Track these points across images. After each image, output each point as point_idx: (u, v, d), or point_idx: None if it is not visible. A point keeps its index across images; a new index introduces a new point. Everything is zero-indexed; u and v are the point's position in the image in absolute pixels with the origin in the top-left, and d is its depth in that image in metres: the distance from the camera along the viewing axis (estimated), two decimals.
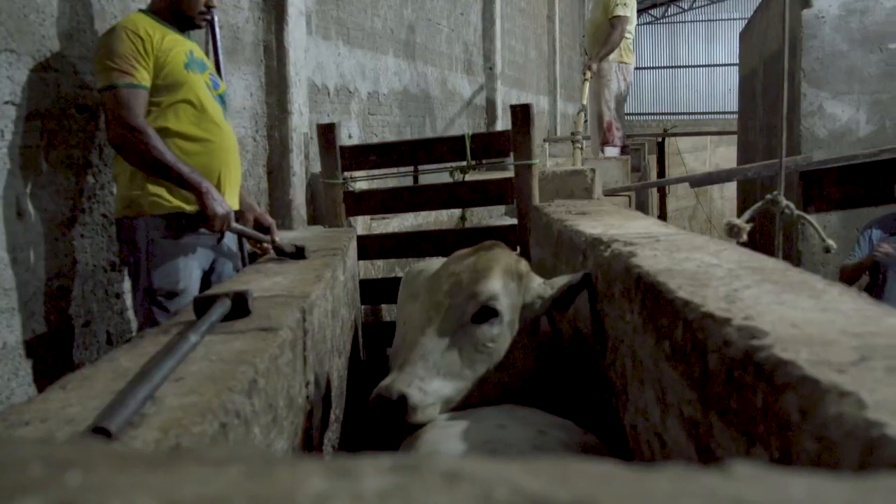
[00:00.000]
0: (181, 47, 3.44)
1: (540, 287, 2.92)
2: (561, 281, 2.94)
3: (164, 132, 3.34)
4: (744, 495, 0.48)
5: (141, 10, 3.48)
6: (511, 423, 2.32)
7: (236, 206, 3.66)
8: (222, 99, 3.66)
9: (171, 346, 1.88)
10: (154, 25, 3.38)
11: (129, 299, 3.75)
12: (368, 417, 2.54)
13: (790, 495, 0.49)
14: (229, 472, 0.50)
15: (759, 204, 3.56)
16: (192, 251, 3.47)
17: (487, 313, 2.75)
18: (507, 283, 2.84)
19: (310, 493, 0.48)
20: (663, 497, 0.48)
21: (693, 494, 0.49)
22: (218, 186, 3.46)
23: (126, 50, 3.23)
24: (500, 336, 2.77)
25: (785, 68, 3.74)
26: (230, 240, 3.70)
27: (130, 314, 3.77)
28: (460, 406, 2.66)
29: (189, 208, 3.40)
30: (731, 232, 3.42)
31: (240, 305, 2.35)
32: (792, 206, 3.49)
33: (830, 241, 3.53)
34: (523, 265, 2.99)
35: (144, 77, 3.28)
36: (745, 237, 3.36)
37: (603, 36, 10.05)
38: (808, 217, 3.70)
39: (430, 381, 2.59)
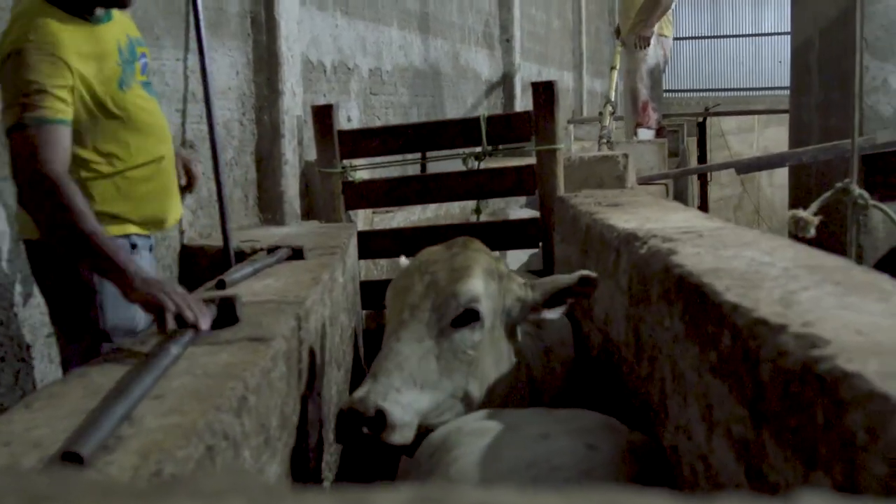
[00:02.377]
0: (109, 48, 2.99)
1: (521, 289, 2.92)
2: (547, 283, 2.93)
3: (99, 175, 2.98)
4: None
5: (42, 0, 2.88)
6: (554, 430, 2.30)
7: (180, 211, 3.40)
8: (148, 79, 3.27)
9: (150, 359, 1.89)
10: (68, 30, 2.86)
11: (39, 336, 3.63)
12: (337, 434, 2.51)
13: None
14: None
15: (828, 193, 3.54)
16: None
17: (468, 317, 2.75)
18: (489, 283, 2.84)
19: None
20: None
21: None
22: (168, 195, 3.24)
23: (37, 77, 2.74)
24: (480, 343, 2.77)
25: (858, 36, 3.72)
26: (147, 262, 3.17)
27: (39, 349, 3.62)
28: (435, 424, 2.65)
29: (137, 230, 3.10)
30: (797, 226, 3.40)
31: (227, 312, 2.35)
32: (866, 195, 3.47)
33: None
34: (503, 265, 3.01)
35: (61, 109, 2.77)
36: (813, 231, 3.35)
37: (649, 3, 10.01)
38: (885, 207, 3.68)
39: (406, 392, 2.58)
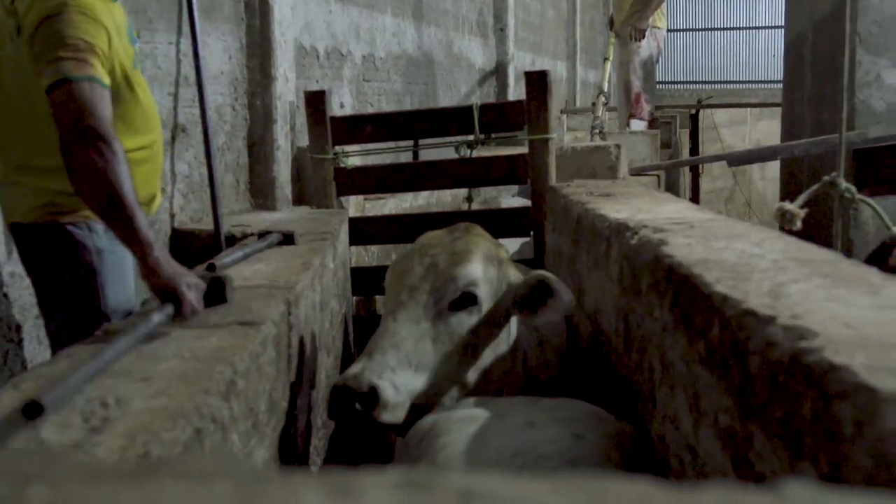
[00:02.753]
0: (123, 26, 2.99)
1: (515, 278, 2.91)
2: (524, 282, 2.91)
3: None
4: None
5: None
6: (541, 419, 2.30)
7: (161, 197, 3.35)
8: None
9: (132, 327, 1.90)
10: (101, 1, 2.86)
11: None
12: (330, 410, 2.51)
13: None
14: (216, 488, 0.50)
15: (815, 186, 3.54)
16: (130, 260, 2.90)
17: (466, 300, 2.75)
18: (488, 268, 2.85)
19: None
20: None
21: None
22: (157, 179, 3.23)
23: (85, 36, 2.72)
24: (477, 327, 2.78)
25: (846, 30, 3.73)
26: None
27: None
28: (428, 406, 2.65)
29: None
30: (784, 218, 3.40)
31: (216, 292, 2.34)
32: (853, 189, 3.48)
33: None
34: (503, 251, 3.00)
35: (104, 74, 2.74)
36: (799, 224, 3.35)
37: None
38: (871, 202, 3.69)
39: (401, 373, 2.59)
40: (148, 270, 2.41)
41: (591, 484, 0.51)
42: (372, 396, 2.48)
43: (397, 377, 2.57)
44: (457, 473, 0.52)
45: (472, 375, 2.77)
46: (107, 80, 2.73)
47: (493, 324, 2.84)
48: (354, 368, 2.54)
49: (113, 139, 2.58)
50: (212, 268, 2.82)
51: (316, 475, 0.53)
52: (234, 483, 0.50)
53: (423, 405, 2.64)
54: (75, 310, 2.96)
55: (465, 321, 2.75)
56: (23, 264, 3.12)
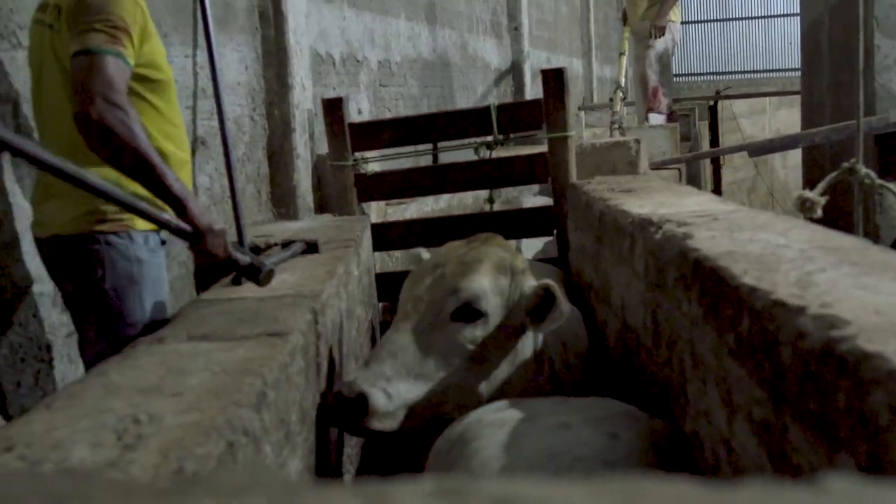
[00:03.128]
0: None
1: (531, 289, 2.90)
2: (532, 293, 2.90)
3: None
4: None
5: None
6: (574, 419, 2.29)
7: None
8: None
9: None
10: None
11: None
12: (326, 415, 2.55)
13: None
14: (249, 503, 0.50)
15: (834, 174, 3.52)
16: (165, 270, 3.21)
17: (471, 313, 2.75)
18: (499, 280, 2.84)
19: None
20: None
21: None
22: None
23: (123, 14, 2.86)
24: (485, 339, 2.77)
25: (861, 15, 3.70)
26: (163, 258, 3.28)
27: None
28: (430, 417, 2.67)
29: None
30: (804, 206, 3.38)
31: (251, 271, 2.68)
32: (873, 174, 3.45)
33: None
34: (520, 261, 2.98)
35: (132, 56, 2.88)
36: (819, 212, 3.33)
37: None
38: (893, 187, 3.66)
39: (397, 382, 2.61)
40: (188, 221, 2.72)
41: (627, 485, 0.51)
42: (361, 403, 2.52)
43: (392, 386, 2.60)
44: (491, 479, 0.52)
45: (485, 387, 2.77)
46: (132, 61, 2.86)
47: (507, 334, 2.84)
48: (350, 376, 2.58)
49: (129, 107, 2.73)
50: (238, 280, 2.84)
51: (350, 485, 0.53)
52: (267, 497, 0.50)
53: (430, 416, 2.65)
54: (114, 319, 3.01)
55: (470, 332, 2.75)
56: (55, 276, 3.16)
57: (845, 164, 3.44)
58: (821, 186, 3.39)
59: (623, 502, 0.48)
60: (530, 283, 2.92)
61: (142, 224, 3.02)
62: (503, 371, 2.82)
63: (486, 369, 2.79)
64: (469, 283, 2.77)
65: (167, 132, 3.13)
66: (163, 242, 3.19)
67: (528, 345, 2.90)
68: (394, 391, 2.60)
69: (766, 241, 2.08)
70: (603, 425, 2.24)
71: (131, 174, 2.76)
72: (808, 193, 3.36)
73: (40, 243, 3.15)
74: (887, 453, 1.06)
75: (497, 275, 2.85)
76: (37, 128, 3.19)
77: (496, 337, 2.81)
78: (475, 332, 2.76)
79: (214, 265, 2.89)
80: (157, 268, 3.12)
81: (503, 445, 2.24)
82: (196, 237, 2.77)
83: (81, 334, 3.16)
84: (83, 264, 3.03)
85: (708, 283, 1.90)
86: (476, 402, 2.72)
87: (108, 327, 3.02)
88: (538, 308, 2.83)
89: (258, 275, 2.75)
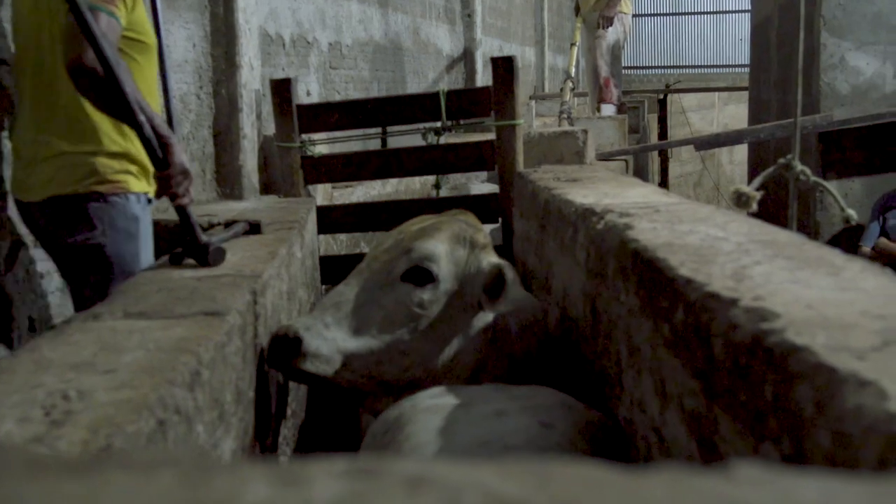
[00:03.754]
0: None
1: (489, 266, 2.91)
2: (489, 272, 2.93)
3: None
4: (748, 501, 0.48)
5: None
6: (509, 407, 2.30)
7: None
8: None
9: None
10: None
11: (53, 282, 3.71)
12: (266, 356, 2.60)
13: (799, 501, 0.49)
14: (160, 479, 0.49)
15: (770, 169, 3.57)
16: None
17: (422, 275, 2.78)
18: (455, 248, 2.86)
19: (252, 502, 0.48)
20: None
21: (691, 501, 0.48)
22: None
23: None
24: (432, 303, 2.79)
25: (801, 15, 3.75)
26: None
27: (55, 298, 3.73)
28: (370, 376, 2.72)
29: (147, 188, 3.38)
30: (740, 201, 3.43)
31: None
32: (808, 171, 3.50)
33: (851, 212, 3.55)
34: (482, 237, 3.00)
35: (123, 17, 3.09)
36: (755, 207, 3.38)
37: None
38: (826, 184, 3.72)
39: (335, 330, 2.68)
40: (167, 156, 2.89)
41: (540, 468, 0.51)
42: (295, 345, 2.60)
43: (329, 332, 2.67)
44: (405, 460, 0.52)
45: (435, 360, 2.78)
46: (123, 22, 3.06)
47: (460, 308, 2.85)
48: (291, 321, 2.65)
49: (119, 59, 2.87)
50: (176, 258, 2.82)
51: (262, 465, 0.53)
52: (178, 474, 0.50)
53: (370, 375, 2.71)
54: (112, 273, 3.22)
55: (417, 295, 2.78)
56: (49, 238, 3.35)
57: (781, 160, 3.49)
58: (757, 181, 3.44)
59: (534, 484, 0.49)
60: (490, 260, 2.93)
61: (136, 186, 3.29)
62: (454, 346, 2.83)
63: (436, 340, 2.80)
64: (422, 244, 2.80)
65: (150, 90, 3.32)
66: (149, 201, 3.41)
67: (481, 324, 2.91)
68: (330, 336, 2.67)
69: (705, 233, 2.10)
70: (538, 414, 2.25)
71: (120, 117, 2.90)
72: (744, 188, 3.41)
73: (28, 207, 3.32)
74: (809, 444, 1.08)
75: (454, 244, 2.86)
76: (24, 94, 3.31)
77: (448, 308, 2.82)
78: (423, 296, 2.78)
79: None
80: (148, 224, 3.39)
81: (436, 431, 2.24)
82: (164, 164, 2.89)
83: (77, 294, 3.33)
84: (83, 222, 3.22)
85: (646, 273, 1.92)
86: (425, 374, 2.74)
87: (105, 283, 3.16)
88: (493, 287, 2.84)
89: (206, 253, 2.73)
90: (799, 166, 3.45)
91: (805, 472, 0.54)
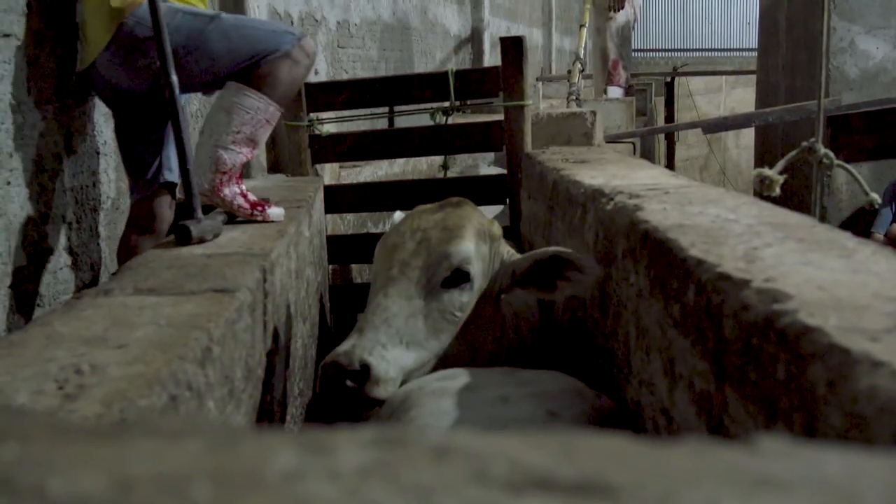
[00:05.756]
0: None
1: (509, 257, 2.91)
2: (526, 258, 2.91)
3: None
4: (772, 473, 0.49)
5: None
6: (515, 393, 2.30)
7: None
8: None
9: None
10: None
11: (62, 258, 3.72)
12: (320, 387, 2.53)
13: (824, 473, 0.49)
14: (187, 446, 0.50)
15: (794, 153, 3.56)
16: None
17: (459, 277, 2.76)
18: (480, 245, 2.85)
19: (279, 469, 0.48)
20: (682, 476, 0.48)
21: (715, 473, 0.49)
22: None
23: None
24: (468, 305, 2.78)
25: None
26: None
27: (64, 274, 3.74)
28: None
29: None
30: (763, 184, 3.41)
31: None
32: (831, 154, 3.50)
33: (874, 195, 3.55)
34: (496, 228, 2.99)
35: None
36: (777, 190, 3.37)
37: None
38: (850, 168, 3.71)
39: (392, 349, 2.59)
40: None
41: (566, 439, 0.52)
42: (364, 373, 2.50)
43: (388, 353, 2.57)
44: (431, 431, 0.52)
45: (463, 356, 2.78)
46: None
47: (484, 302, 2.85)
48: (345, 345, 2.55)
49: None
50: (185, 231, 2.81)
51: (288, 433, 0.53)
52: (205, 440, 0.50)
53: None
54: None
55: (457, 298, 2.76)
56: (117, 95, 3.47)
57: (804, 144, 3.48)
58: (780, 165, 3.43)
59: (560, 455, 0.49)
60: (508, 250, 2.94)
61: None
62: (477, 340, 2.84)
63: (467, 340, 2.80)
64: (457, 247, 2.77)
65: None
66: None
67: (492, 315, 2.91)
68: (390, 357, 2.58)
69: (716, 215, 2.10)
70: (543, 401, 2.25)
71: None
72: (768, 171, 3.40)
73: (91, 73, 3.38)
74: (822, 425, 1.08)
75: (479, 241, 2.85)
76: None
77: (476, 304, 2.82)
78: (462, 298, 2.77)
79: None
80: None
81: (440, 415, 2.25)
82: None
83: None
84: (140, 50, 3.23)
85: (656, 254, 1.92)
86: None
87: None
88: (532, 275, 2.81)
89: (188, 237, 2.72)
90: (822, 149, 3.44)
91: (827, 447, 0.54)
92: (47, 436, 0.50)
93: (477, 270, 2.81)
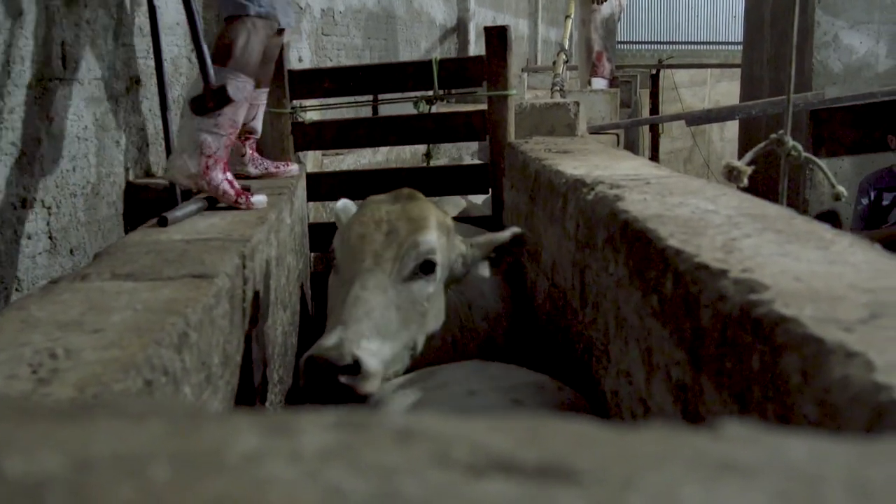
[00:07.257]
0: None
1: (462, 245, 2.95)
2: (483, 241, 2.98)
3: None
4: (736, 458, 0.49)
5: None
6: (482, 386, 2.31)
7: None
8: None
9: None
10: None
11: (40, 243, 3.70)
12: (306, 382, 2.50)
13: (788, 458, 0.49)
14: (149, 427, 0.49)
15: (762, 144, 3.56)
16: None
17: (425, 268, 2.77)
18: (440, 236, 2.86)
19: (240, 451, 0.48)
20: (645, 460, 0.48)
21: (679, 457, 0.49)
22: None
23: None
24: (434, 295, 2.80)
25: None
26: None
27: (43, 259, 3.72)
28: (387, 379, 2.66)
29: None
30: (731, 175, 3.42)
31: None
32: (799, 147, 3.50)
33: (841, 188, 3.55)
34: (449, 220, 3.02)
35: None
36: (745, 181, 3.37)
37: None
38: (817, 160, 3.72)
39: (374, 341, 2.58)
40: None
41: (530, 423, 0.51)
42: (355, 368, 2.47)
43: (372, 346, 2.56)
44: (394, 415, 0.52)
45: (422, 344, 2.79)
46: None
47: (441, 292, 2.88)
48: (331, 339, 2.51)
49: None
50: (163, 221, 2.80)
51: (251, 415, 0.53)
52: (167, 422, 0.50)
53: (389, 378, 2.66)
54: None
55: (425, 289, 2.77)
56: None
57: (773, 136, 3.48)
58: (748, 156, 3.43)
59: (523, 438, 0.49)
60: (459, 241, 2.95)
61: None
62: (432, 329, 2.85)
63: (431, 328, 2.82)
64: (424, 237, 2.78)
65: None
66: None
67: (444, 305, 2.93)
68: (374, 349, 2.56)
69: (696, 206, 2.10)
70: (509, 393, 2.27)
71: None
72: (735, 162, 3.40)
73: None
74: (795, 414, 1.09)
75: (440, 232, 2.86)
76: None
77: (436, 294, 2.84)
78: (429, 289, 2.78)
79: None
80: None
81: (408, 409, 2.26)
82: None
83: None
84: None
85: (635, 244, 1.92)
86: (414, 360, 2.74)
87: None
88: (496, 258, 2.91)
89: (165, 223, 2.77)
90: (790, 142, 3.44)
91: (792, 432, 0.54)
92: (13, 417, 0.50)
93: (441, 261, 2.82)
